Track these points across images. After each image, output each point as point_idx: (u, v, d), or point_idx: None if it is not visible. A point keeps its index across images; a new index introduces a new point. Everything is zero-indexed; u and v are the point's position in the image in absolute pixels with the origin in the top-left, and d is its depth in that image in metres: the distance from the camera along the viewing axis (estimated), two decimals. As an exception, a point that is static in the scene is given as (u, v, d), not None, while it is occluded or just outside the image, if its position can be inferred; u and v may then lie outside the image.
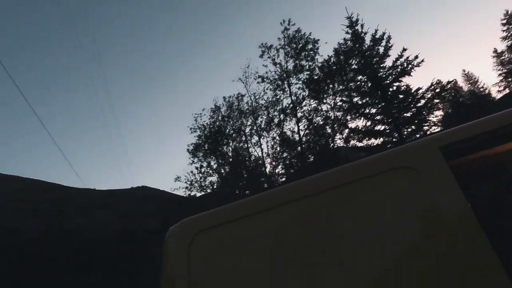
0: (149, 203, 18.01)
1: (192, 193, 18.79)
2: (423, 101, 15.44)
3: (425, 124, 15.58)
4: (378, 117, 16.41)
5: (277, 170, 17.86)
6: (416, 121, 15.61)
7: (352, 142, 16.92)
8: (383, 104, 16.14)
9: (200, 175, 19.45)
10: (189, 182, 19.18)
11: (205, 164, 19.82)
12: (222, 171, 19.60)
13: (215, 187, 19.15)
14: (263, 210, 1.99)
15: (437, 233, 1.72)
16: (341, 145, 16.95)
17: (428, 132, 15.37)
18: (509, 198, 4.20)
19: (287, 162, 17.45)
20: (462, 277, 1.61)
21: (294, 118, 18.46)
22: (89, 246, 15.27)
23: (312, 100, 18.57)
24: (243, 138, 19.82)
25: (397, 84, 16.11)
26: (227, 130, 20.05)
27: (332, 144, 16.79)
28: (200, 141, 20.30)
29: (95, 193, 24.15)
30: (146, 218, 16.95)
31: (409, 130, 15.83)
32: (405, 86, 15.94)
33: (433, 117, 15.55)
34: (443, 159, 1.83)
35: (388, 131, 16.19)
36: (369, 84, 16.86)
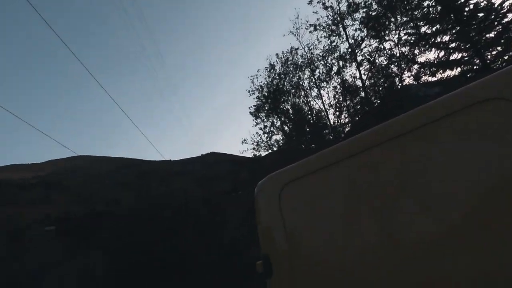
0: (220, 167, 19.04)
1: (258, 153, 19.23)
2: (511, 15, 12.92)
3: (516, 43, 13.13)
4: (453, 45, 14.33)
5: (341, 120, 17.10)
6: (502, 41, 13.23)
7: (424, 78, 15.19)
8: (458, 28, 13.97)
9: (265, 135, 19.67)
10: (255, 143, 19.62)
11: (268, 124, 19.94)
12: (286, 128, 19.55)
13: (280, 144, 19.29)
14: (342, 159, 2.09)
15: None
16: (411, 83, 15.34)
17: (520, 52, 12.95)
18: None
19: (351, 109, 16.52)
20: None
21: (354, 63, 17.12)
22: (174, 209, 16.84)
23: (372, 40, 16.88)
24: (302, 93, 19.25)
25: (474, 1, 13.69)
26: (285, 87, 19.65)
27: (399, 84, 15.28)
28: (260, 102, 20.34)
29: (171, 163, 26.49)
30: (218, 181, 18.03)
31: (494, 53, 13.53)
32: (485, 2, 13.46)
33: (525, 32, 12.97)
34: None
35: (466, 58, 14.09)
36: (439, 9, 14.64)
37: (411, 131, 1.86)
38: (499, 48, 13.41)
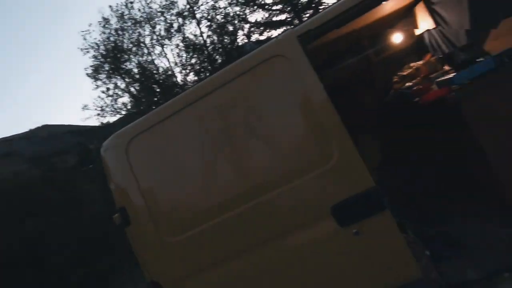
0: (58, 140, 16.63)
1: (106, 119, 17.68)
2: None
3: (321, 8, 16.08)
4: (278, 7, 16.35)
5: (189, 78, 17.34)
6: (313, 5, 15.99)
7: (254, 36, 16.92)
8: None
9: (110, 98, 17.99)
10: (99, 108, 17.81)
11: (111, 85, 18.14)
12: (132, 89, 18.36)
13: (129, 107, 18.15)
14: (178, 110, 2.31)
15: (303, 111, 2.15)
16: (245, 41, 16.81)
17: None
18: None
19: (197, 67, 16.95)
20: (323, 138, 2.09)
21: (193, 20, 17.18)
22: (6, 197, 13.99)
23: (207, -3, 17.09)
24: (145, 51, 18.18)
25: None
26: (125, 45, 18.02)
27: (236, 42, 16.52)
28: (98, 62, 18.11)
29: (-12, 144, 21.04)
30: (60, 156, 15.85)
31: (308, 14, 16.24)
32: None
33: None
34: (299, 46, 2.17)
35: (289, 19, 16.42)
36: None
37: (234, 79, 2.25)
38: (311, 11, 16.19)
